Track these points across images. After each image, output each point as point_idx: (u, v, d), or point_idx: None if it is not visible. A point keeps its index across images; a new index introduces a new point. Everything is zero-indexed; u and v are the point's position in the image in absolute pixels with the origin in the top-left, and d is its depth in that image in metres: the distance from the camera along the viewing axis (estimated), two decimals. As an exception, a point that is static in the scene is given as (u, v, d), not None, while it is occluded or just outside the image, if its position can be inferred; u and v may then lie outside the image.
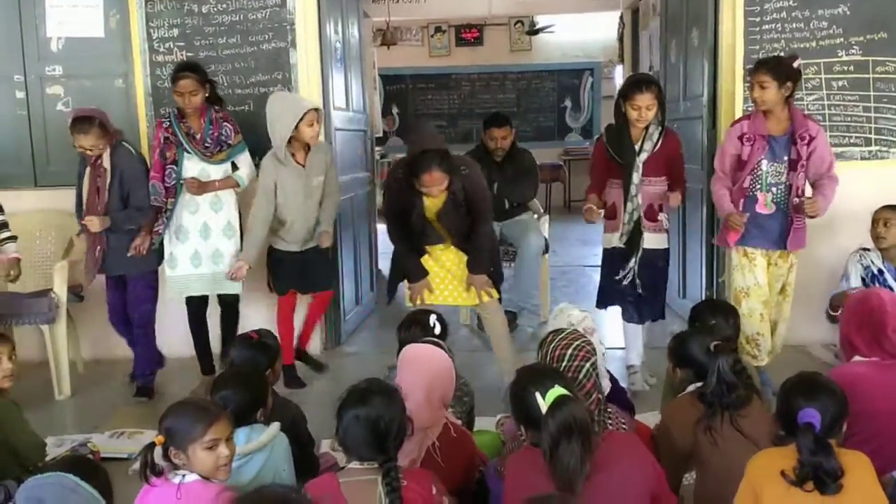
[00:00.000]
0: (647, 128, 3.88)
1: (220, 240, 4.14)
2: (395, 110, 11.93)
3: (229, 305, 4.28)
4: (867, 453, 2.17)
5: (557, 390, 2.03)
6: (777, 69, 3.68)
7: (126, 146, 4.08)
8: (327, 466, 2.90)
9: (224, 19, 4.65)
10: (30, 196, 4.69)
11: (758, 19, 4.49)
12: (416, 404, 2.33)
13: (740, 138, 3.78)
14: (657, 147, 3.88)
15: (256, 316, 4.34)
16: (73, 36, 4.70)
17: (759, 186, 3.77)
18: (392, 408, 2.09)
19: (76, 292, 4.50)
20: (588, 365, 2.43)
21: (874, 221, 4.08)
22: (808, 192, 3.82)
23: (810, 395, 2.11)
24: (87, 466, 2.06)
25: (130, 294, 4.13)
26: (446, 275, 3.97)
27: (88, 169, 4.01)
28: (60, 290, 4.26)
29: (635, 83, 3.88)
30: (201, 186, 4.05)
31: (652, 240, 3.96)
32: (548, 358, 2.48)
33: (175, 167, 4.04)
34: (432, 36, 11.88)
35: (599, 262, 4.22)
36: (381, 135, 9.74)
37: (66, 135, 4.66)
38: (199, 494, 2.09)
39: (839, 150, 4.53)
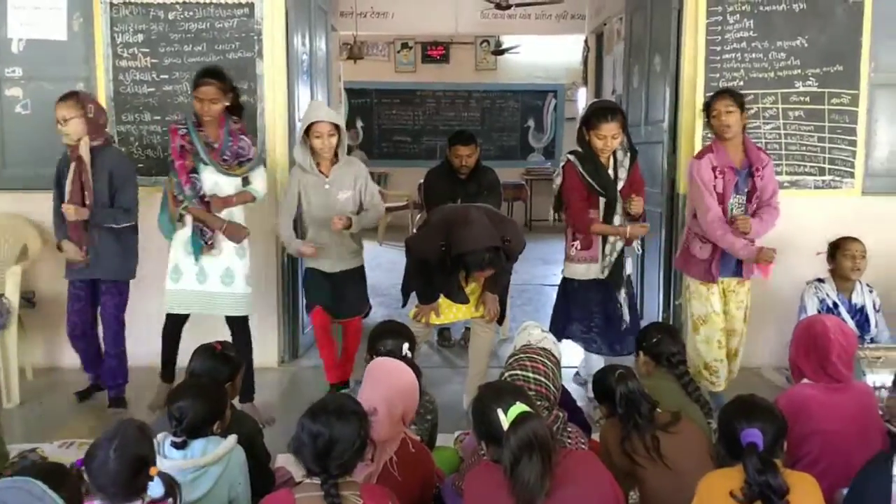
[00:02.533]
0: (614, 154, 3.90)
1: (231, 258, 3.90)
2: (359, 124, 11.94)
3: (238, 324, 3.99)
4: (815, 474, 2.24)
5: (519, 407, 2.04)
6: (737, 96, 3.79)
7: (116, 147, 3.94)
8: (283, 481, 2.87)
9: (190, 27, 4.61)
10: (-18, 200, 4.59)
11: (718, 48, 4.60)
12: (377, 419, 2.32)
13: (713, 170, 3.76)
14: (628, 173, 3.91)
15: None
16: (35, 38, 4.62)
17: (725, 218, 3.80)
18: (339, 429, 2.05)
19: (28, 298, 4.41)
20: (550, 382, 2.47)
21: (847, 254, 4.04)
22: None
23: (750, 417, 2.18)
24: (56, 475, 1.98)
25: (104, 303, 3.98)
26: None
27: (73, 165, 3.82)
28: (13, 295, 4.17)
29: (599, 112, 3.85)
30: (219, 203, 3.84)
31: (628, 266, 4.00)
32: (512, 370, 2.51)
33: (196, 176, 3.80)
34: (398, 52, 11.94)
35: (559, 292, 4.15)
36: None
37: (24, 138, 4.62)
38: None
39: (794, 178, 4.65)
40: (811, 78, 4.63)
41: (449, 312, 3.99)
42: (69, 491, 1.96)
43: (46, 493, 1.89)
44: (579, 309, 4.02)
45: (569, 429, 2.52)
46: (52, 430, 3.79)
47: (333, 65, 6.25)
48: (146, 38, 4.61)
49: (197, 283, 3.89)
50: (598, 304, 3.98)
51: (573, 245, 4.00)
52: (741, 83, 4.55)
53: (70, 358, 4.37)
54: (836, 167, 4.68)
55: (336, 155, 4.05)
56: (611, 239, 3.87)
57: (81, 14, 4.61)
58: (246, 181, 3.97)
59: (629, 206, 3.89)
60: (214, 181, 3.86)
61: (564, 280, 4.11)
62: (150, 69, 4.61)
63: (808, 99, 4.64)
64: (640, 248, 4.14)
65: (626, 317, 3.97)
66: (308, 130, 3.96)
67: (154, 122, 4.65)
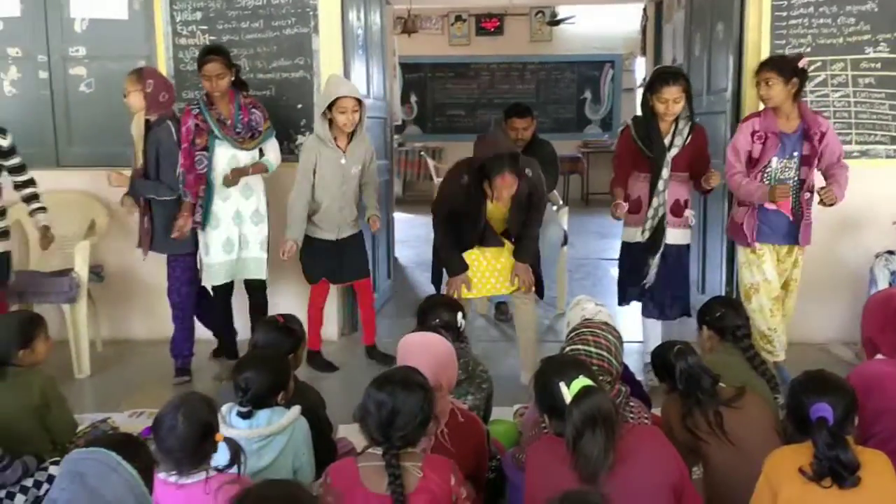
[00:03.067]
0: (676, 122, 3.85)
1: (247, 226, 4.14)
2: (413, 98, 11.92)
3: (256, 290, 4.28)
4: (888, 451, 2.17)
5: (582, 381, 2.03)
6: (781, 66, 3.71)
7: (169, 125, 4.04)
8: (345, 451, 2.91)
9: (247, 3, 4.64)
10: (51, 176, 4.69)
11: (784, 14, 4.45)
12: (441, 394, 2.32)
13: (752, 135, 3.78)
14: (686, 142, 3.85)
15: (286, 303, 4.31)
16: (97, 17, 4.72)
17: (767, 183, 3.78)
18: (403, 400, 2.07)
19: (97, 272, 4.54)
20: (613, 357, 2.44)
21: None
22: (819, 182, 3.84)
23: (820, 391, 2.12)
24: (130, 446, 2.04)
25: (169, 276, 4.14)
26: (488, 268, 3.95)
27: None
28: (82, 269, 4.29)
29: (662, 76, 3.84)
30: (236, 175, 4.03)
31: (676, 235, 3.94)
32: (573, 345, 2.48)
33: (206, 153, 3.99)
34: (452, 25, 11.84)
35: (618, 256, 4.18)
36: (399, 123, 9.73)
37: (88, 115, 4.73)
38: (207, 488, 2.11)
39: (864, 147, 4.50)
40: (882, 43, 4.44)
41: (482, 287, 3.97)
42: (143, 461, 2.01)
43: (121, 464, 1.95)
44: (633, 272, 4.02)
45: (631, 403, 2.49)
46: (124, 399, 3.90)
47: (388, 39, 6.23)
48: (204, 16, 4.66)
49: (224, 253, 4.09)
50: (648, 266, 3.95)
51: (625, 207, 3.98)
52: (808, 49, 4.39)
53: (138, 330, 4.49)
54: (910, 135, 4.51)
55: (353, 131, 4.10)
56: (654, 202, 3.85)
57: (141, -7, 4.68)
58: (261, 153, 4.15)
59: (706, 180, 3.87)
60: (231, 155, 4.04)
61: (622, 244, 4.11)
62: (209, 46, 4.66)
63: (879, 65, 4.46)
64: (694, 218, 4.08)
65: (651, 279, 3.94)
66: (331, 104, 3.99)
67: (214, 98, 4.71)
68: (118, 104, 4.16)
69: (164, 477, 2.12)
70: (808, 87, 4.25)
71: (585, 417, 1.96)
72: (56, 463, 2.61)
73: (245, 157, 4.08)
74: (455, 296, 3.89)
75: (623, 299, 4.13)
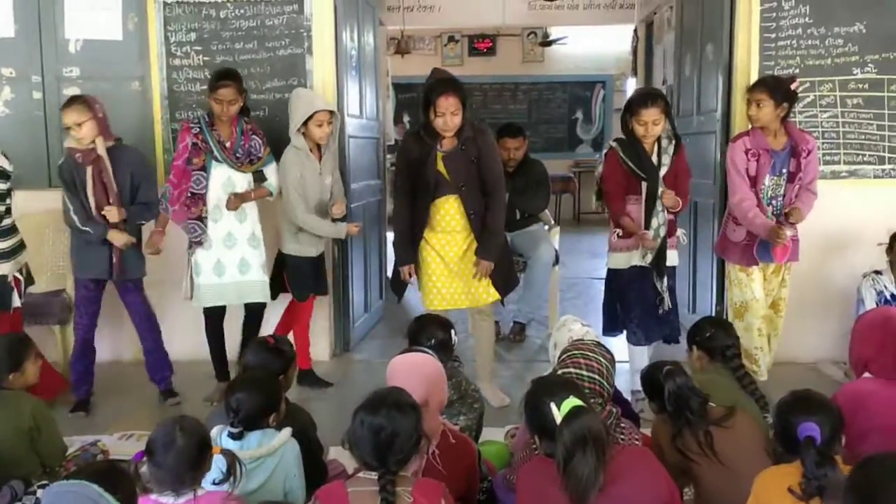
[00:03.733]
0: (658, 141, 3.84)
1: (245, 249, 4.08)
2: (406, 118, 11.96)
3: (254, 313, 4.21)
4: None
5: (572, 401, 2.03)
6: (775, 89, 3.77)
7: (133, 147, 4.01)
8: (335, 473, 2.90)
9: (241, 24, 4.67)
10: (43, 197, 4.67)
11: (773, 35, 4.50)
12: (428, 412, 2.32)
13: (746, 153, 3.83)
14: (673, 160, 3.85)
15: (275, 321, 4.33)
16: (91, 38, 4.73)
17: (768, 207, 3.81)
18: (400, 422, 2.06)
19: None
20: (604, 380, 2.45)
21: None
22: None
23: (808, 410, 2.14)
24: (111, 476, 1.98)
25: (132, 301, 4.06)
26: (447, 278, 3.91)
27: (90, 168, 3.83)
28: (73, 291, 4.27)
29: (640, 98, 3.84)
30: (239, 200, 4.01)
31: (670, 256, 3.90)
32: (565, 368, 2.49)
33: (203, 173, 3.97)
34: (445, 45, 11.93)
35: (605, 283, 4.08)
36: (392, 143, 9.77)
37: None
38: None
39: (852, 167, 4.53)
40: (870, 64, 4.49)
41: (452, 299, 3.93)
42: (125, 492, 1.97)
43: (102, 497, 1.90)
44: (622, 300, 3.94)
45: (622, 424, 2.50)
46: (112, 422, 3.89)
47: (381, 60, 6.28)
48: (199, 37, 4.68)
49: (215, 276, 4.04)
50: (639, 293, 3.88)
51: (615, 232, 3.92)
52: (797, 70, 4.44)
53: (129, 352, 4.47)
54: (897, 156, 4.55)
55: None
56: (654, 224, 3.80)
57: (136, 14, 4.69)
58: (261, 176, 4.14)
59: (661, 196, 3.77)
60: (227, 177, 4.02)
61: (609, 272, 4.01)
62: (203, 67, 4.68)
63: (866, 86, 4.50)
64: (685, 238, 4.09)
65: (668, 304, 3.88)
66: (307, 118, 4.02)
67: (207, 119, 4.72)
68: (112, 125, 4.14)
69: (156, 498, 2.10)
70: (797, 107, 4.30)
71: (576, 438, 1.96)
72: (44, 486, 2.59)
73: (241, 180, 4.06)
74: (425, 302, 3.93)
75: (610, 329, 4.00)
